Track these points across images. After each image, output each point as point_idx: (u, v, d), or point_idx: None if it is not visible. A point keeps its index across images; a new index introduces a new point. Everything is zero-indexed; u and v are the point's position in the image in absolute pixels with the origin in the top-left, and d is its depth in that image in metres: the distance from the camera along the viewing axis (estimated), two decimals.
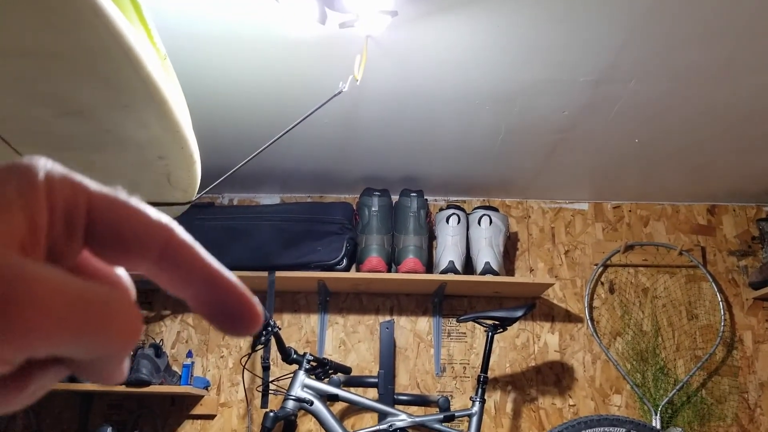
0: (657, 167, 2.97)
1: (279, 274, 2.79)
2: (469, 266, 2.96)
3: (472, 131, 2.66)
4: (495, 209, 3.03)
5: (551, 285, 2.95)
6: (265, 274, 2.79)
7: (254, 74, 2.26)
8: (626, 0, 1.83)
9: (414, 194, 2.99)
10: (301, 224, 2.89)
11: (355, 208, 3.04)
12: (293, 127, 1.99)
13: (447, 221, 2.96)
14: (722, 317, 3.06)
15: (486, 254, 2.88)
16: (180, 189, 1.81)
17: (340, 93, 2.00)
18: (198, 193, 1.94)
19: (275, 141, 2.00)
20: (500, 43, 2.06)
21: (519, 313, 2.59)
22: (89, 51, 1.16)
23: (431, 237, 3.08)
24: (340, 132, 2.70)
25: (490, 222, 2.94)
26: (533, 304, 2.68)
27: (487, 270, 2.83)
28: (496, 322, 2.62)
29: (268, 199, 3.30)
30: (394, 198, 3.05)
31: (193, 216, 2.66)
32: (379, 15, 1.82)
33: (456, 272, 2.84)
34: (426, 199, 3.03)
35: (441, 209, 3.07)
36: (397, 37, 2.05)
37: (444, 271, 2.85)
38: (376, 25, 1.90)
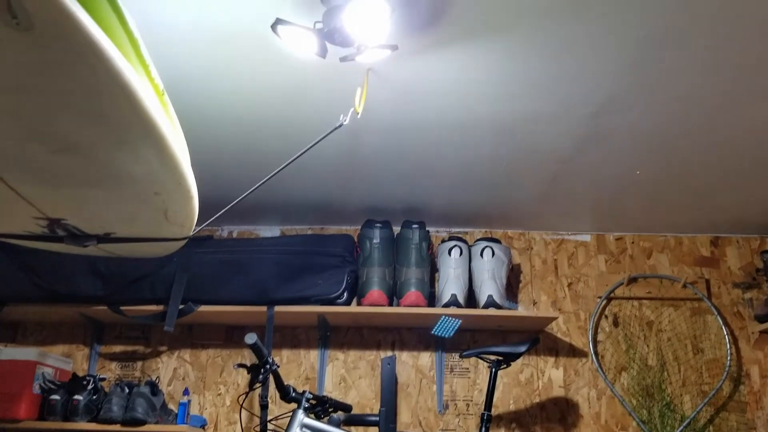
0: (659, 198, 2.94)
1: (278, 308, 2.74)
2: (471, 299, 2.92)
3: (473, 162, 2.64)
4: (497, 241, 2.99)
5: (555, 318, 2.90)
6: (264, 308, 2.74)
7: (254, 106, 2.25)
8: (624, 33, 1.82)
9: (416, 226, 2.96)
10: (301, 257, 2.85)
11: (356, 239, 3.00)
12: (293, 161, 1.96)
13: (449, 253, 2.93)
14: (728, 351, 3.00)
15: (489, 287, 2.83)
16: (177, 224, 1.78)
17: (340, 126, 1.98)
18: (196, 228, 1.91)
19: (275, 174, 1.97)
20: (499, 75, 2.05)
21: (523, 349, 2.54)
22: (87, 89, 1.13)
23: (433, 269, 3.04)
24: (341, 163, 2.68)
25: (493, 254, 2.91)
26: (537, 339, 2.63)
27: (490, 303, 2.79)
28: (500, 358, 2.57)
29: (268, 231, 3.27)
30: (396, 229, 3.02)
31: (192, 250, 2.62)
32: (379, 49, 1.80)
33: (459, 306, 2.80)
34: (428, 231, 3.00)
35: (443, 241, 3.03)
36: (398, 69, 2.03)
37: (446, 305, 2.80)
38: (376, 58, 1.88)
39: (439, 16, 1.78)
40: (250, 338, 2.16)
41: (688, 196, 2.91)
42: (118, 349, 3.03)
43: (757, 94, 2.12)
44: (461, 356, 2.66)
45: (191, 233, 1.89)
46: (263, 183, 1.96)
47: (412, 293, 2.81)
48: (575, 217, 3.15)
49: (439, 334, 2.72)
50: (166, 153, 1.36)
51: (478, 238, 3.05)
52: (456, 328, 2.69)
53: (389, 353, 2.99)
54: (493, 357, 2.57)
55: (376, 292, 2.78)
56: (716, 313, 3.08)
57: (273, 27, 1.68)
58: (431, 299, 2.96)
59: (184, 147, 1.49)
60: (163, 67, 1.94)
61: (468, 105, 2.23)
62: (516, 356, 2.56)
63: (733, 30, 1.80)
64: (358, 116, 2.02)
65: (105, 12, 1.11)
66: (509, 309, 2.89)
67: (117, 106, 1.18)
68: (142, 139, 1.30)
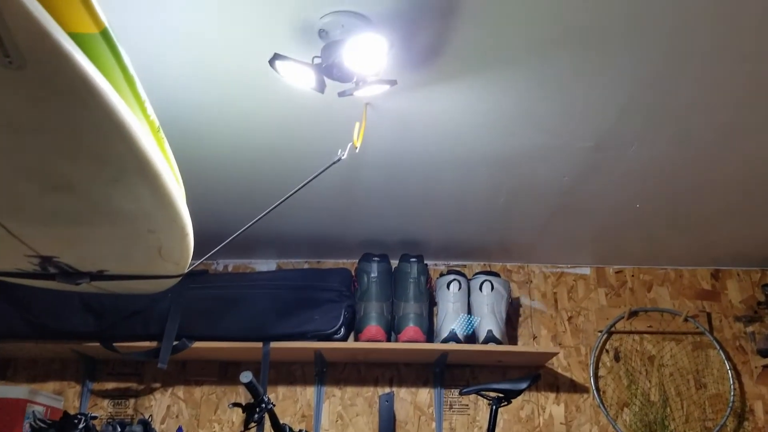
0: (659, 231, 2.92)
1: (274, 344, 2.69)
2: (471, 334, 2.87)
3: (472, 196, 2.62)
4: (496, 274, 2.95)
5: (555, 354, 2.85)
6: (259, 345, 2.69)
7: (251, 141, 2.23)
8: (624, 69, 1.82)
9: (414, 259, 2.92)
10: (298, 292, 2.81)
11: (353, 273, 2.96)
12: (291, 195, 1.93)
13: (448, 287, 2.89)
14: (731, 386, 2.95)
15: (488, 322, 2.79)
16: (171, 261, 1.75)
17: (339, 161, 1.96)
18: (190, 265, 1.88)
19: (273, 209, 1.94)
20: (499, 110, 2.04)
21: (524, 386, 2.49)
22: (81, 127, 1.11)
23: (431, 303, 3.00)
24: (338, 197, 2.65)
25: (492, 288, 2.87)
26: (538, 375, 2.58)
27: (490, 339, 2.74)
28: (500, 395, 2.51)
29: (264, 265, 3.23)
30: (393, 263, 2.98)
31: (186, 285, 2.58)
32: (378, 84, 1.78)
33: (458, 341, 2.75)
34: (426, 264, 2.96)
35: (441, 274, 3.00)
36: (396, 103, 2.02)
37: (445, 340, 2.75)
38: (375, 93, 1.86)
39: (437, 52, 1.77)
40: (246, 377, 2.11)
41: (688, 229, 2.89)
42: (110, 386, 2.97)
43: (754, 129, 2.11)
44: (461, 393, 2.60)
45: (186, 270, 1.85)
46: (261, 218, 1.93)
47: (411, 328, 2.76)
48: (575, 250, 3.13)
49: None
50: (161, 191, 1.33)
51: (477, 271, 3.02)
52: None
53: (387, 390, 2.93)
54: (493, 394, 2.52)
55: (373, 327, 2.74)
56: (718, 347, 3.03)
57: (271, 62, 1.66)
58: (430, 334, 2.91)
59: (179, 184, 1.46)
60: (160, 102, 1.93)
61: (467, 139, 2.21)
62: (517, 393, 2.50)
63: (730, 67, 1.80)
64: (357, 150, 2.00)
65: (100, 49, 1.08)
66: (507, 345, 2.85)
67: (111, 145, 1.16)
68: (137, 177, 1.27)
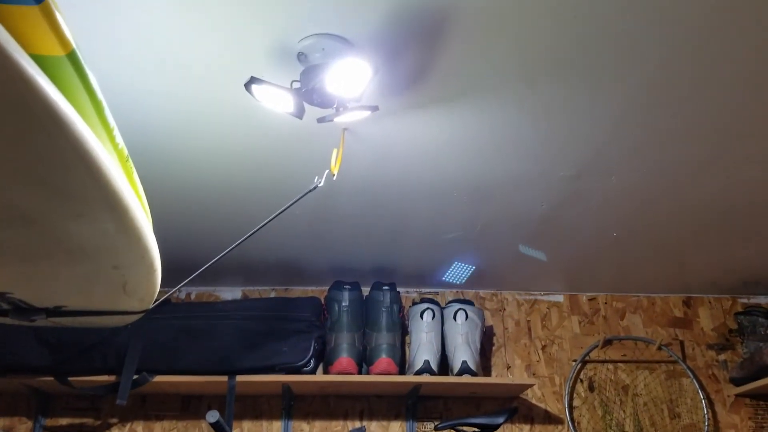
0: (633, 259, 2.89)
1: (240, 378, 2.56)
2: (444, 364, 2.79)
3: (447, 223, 2.55)
4: (470, 303, 2.88)
5: (531, 386, 2.78)
6: (225, 378, 2.55)
7: (222, 166, 2.13)
8: (607, 98, 1.78)
9: (386, 287, 2.84)
10: (265, 322, 2.69)
11: (323, 302, 2.86)
12: (266, 224, 1.83)
13: (421, 316, 2.81)
14: (705, 416, 2.93)
15: (463, 352, 2.71)
16: (136, 297, 1.63)
17: (315, 188, 1.87)
18: (156, 300, 1.76)
19: (248, 238, 1.83)
20: (479, 138, 1.98)
21: (501, 420, 2.41)
22: (42, 156, 1.00)
23: (404, 332, 2.91)
24: (308, 222, 2.55)
25: (467, 317, 2.80)
26: (515, 409, 2.51)
27: (465, 370, 2.66)
28: (477, 430, 2.43)
29: (229, 292, 3.10)
30: (365, 290, 2.89)
31: (147, 315, 2.43)
32: (359, 110, 1.70)
33: (432, 373, 2.66)
34: (398, 293, 2.88)
35: (414, 303, 2.91)
36: (375, 129, 1.95)
37: (419, 372, 2.66)
38: (355, 119, 1.78)
39: (420, 76, 1.70)
40: (212, 416, 1.99)
41: (661, 256, 2.87)
42: (64, 421, 2.79)
43: (730, 160, 2.10)
44: (436, 429, 2.50)
45: (151, 305, 1.73)
46: (235, 247, 1.82)
47: (383, 360, 2.67)
48: (548, 277, 3.08)
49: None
50: (129, 226, 1.22)
51: (451, 299, 2.95)
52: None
53: (357, 423, 2.82)
54: (469, 429, 2.43)
55: (345, 359, 2.63)
56: (692, 376, 3.01)
57: (247, 86, 1.57)
58: (402, 365, 2.82)
59: (148, 216, 1.35)
60: (129, 128, 1.82)
61: (445, 166, 2.15)
62: (494, 428, 2.43)
63: (714, 97, 1.77)
64: (334, 178, 1.91)
65: (66, 72, 0.98)
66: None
67: (76, 176, 1.05)
68: (103, 211, 1.16)
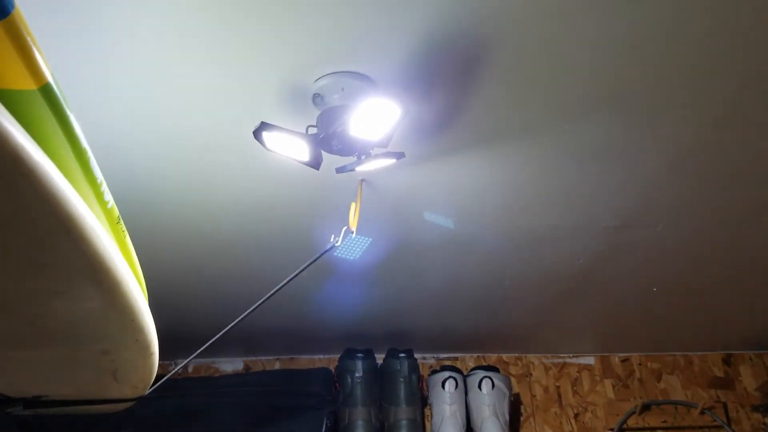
0: (670, 315, 2.66)
1: None
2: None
3: (469, 281, 2.32)
4: (496, 369, 2.63)
5: None
6: None
7: (225, 224, 1.90)
8: (664, 137, 1.57)
9: (403, 355, 2.58)
10: (271, 398, 2.42)
11: (334, 372, 2.59)
12: (277, 291, 1.60)
13: (443, 386, 2.54)
14: None
15: (492, 426, 2.44)
16: (129, 385, 1.38)
17: (332, 248, 1.64)
18: (152, 385, 1.51)
19: (258, 306, 1.60)
20: (513, 186, 1.77)
21: None
22: (8, 221, 0.77)
23: (423, 403, 2.64)
24: (315, 285, 2.32)
25: (493, 386, 2.53)
26: None
27: None
28: None
29: (230, 364, 2.83)
30: (378, 356, 2.63)
31: None
32: (384, 158, 1.49)
33: None
34: (416, 360, 2.62)
35: (434, 371, 2.65)
36: (394, 178, 1.74)
37: None
38: (378, 167, 1.57)
39: (448, 119, 1.49)
40: None
41: (699, 310, 2.64)
42: None
43: None
44: None
45: (147, 392, 1.48)
46: (246, 316, 1.59)
47: None
48: (577, 338, 2.83)
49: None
50: (119, 302, 0.98)
51: (474, 366, 2.69)
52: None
53: None
54: None
55: None
56: None
57: (256, 133, 1.35)
58: None
59: (142, 289, 1.11)
60: (121, 184, 1.60)
61: (471, 218, 1.93)
62: None
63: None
64: (353, 235, 1.69)
65: (37, 110, 0.77)
66: None
67: (53, 245, 0.82)
68: (86, 286, 0.92)
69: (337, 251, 2.11)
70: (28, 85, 0.75)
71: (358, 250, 2.12)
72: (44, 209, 0.74)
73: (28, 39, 0.71)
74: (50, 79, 0.77)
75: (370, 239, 2.12)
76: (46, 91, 0.77)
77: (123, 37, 1.20)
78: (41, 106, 0.77)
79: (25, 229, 0.78)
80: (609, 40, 1.25)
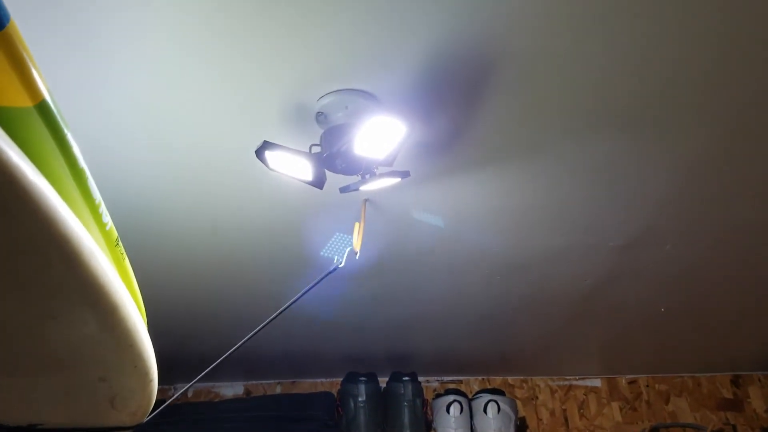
0: (677, 335, 2.61)
1: None
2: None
3: (475, 303, 2.28)
4: (501, 392, 2.58)
5: None
6: None
7: (225, 244, 1.87)
8: (675, 152, 1.53)
9: (407, 378, 2.53)
10: (273, 424, 2.36)
11: (337, 396, 2.54)
12: (280, 314, 1.56)
13: (447, 410, 2.49)
14: None
15: None
16: (127, 412, 1.33)
17: (335, 270, 1.61)
18: (150, 413, 1.46)
19: (261, 329, 1.56)
20: (519, 205, 1.74)
21: None
22: (3, 246, 0.74)
23: (428, 427, 2.58)
24: (318, 306, 2.27)
25: (499, 409, 2.48)
26: None
27: None
28: None
29: (230, 388, 2.78)
30: (381, 379, 2.58)
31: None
32: (388, 177, 1.46)
33: None
34: (420, 383, 2.57)
35: (438, 394, 2.60)
36: (398, 198, 1.71)
37: None
38: (382, 186, 1.54)
39: (455, 137, 1.47)
40: None
41: (707, 331, 2.59)
42: None
43: None
44: None
45: (145, 419, 1.43)
46: (248, 339, 1.55)
47: None
48: (583, 360, 2.79)
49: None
50: (117, 328, 0.95)
51: (479, 390, 2.64)
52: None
53: None
54: None
55: None
56: None
57: (259, 152, 1.32)
58: None
59: (141, 313, 1.07)
60: (121, 204, 1.57)
61: (478, 239, 1.90)
62: None
63: None
64: (357, 257, 1.66)
65: (32, 127, 0.74)
66: None
67: (48, 268, 0.78)
68: (82, 310, 0.89)
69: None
70: (24, 102, 0.72)
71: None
72: (39, 231, 0.71)
73: (24, 54, 0.69)
74: (47, 96, 0.74)
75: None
76: (43, 108, 0.74)
77: (123, 56, 1.18)
78: (37, 124, 0.74)
79: (18, 251, 0.75)
80: (618, 54, 1.22)
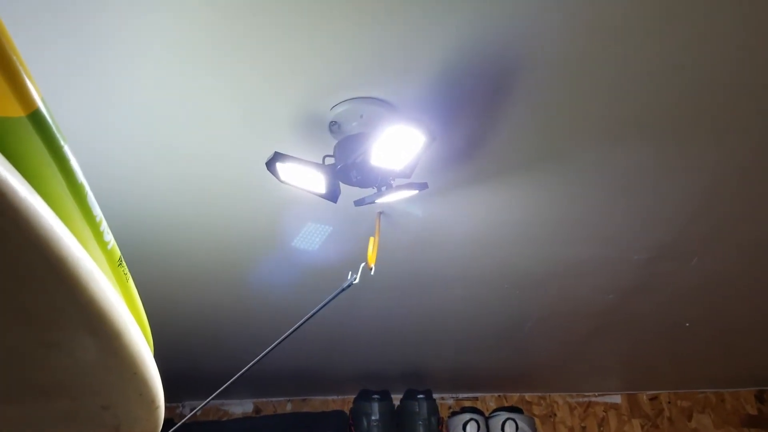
0: (700, 350, 2.53)
1: None
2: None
3: (492, 318, 2.20)
4: (519, 410, 2.49)
5: None
6: None
7: (232, 259, 1.80)
8: (702, 161, 1.46)
9: (422, 396, 2.45)
10: None
11: (349, 415, 2.47)
12: (294, 331, 1.49)
13: (464, 429, 2.41)
14: None
15: None
16: None
17: (350, 286, 1.53)
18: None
19: (274, 348, 1.49)
20: (539, 218, 1.66)
21: None
22: None
23: None
24: (329, 325, 2.20)
25: (517, 428, 2.40)
26: None
27: None
28: None
29: (239, 406, 2.70)
30: (395, 397, 2.50)
31: None
32: (405, 189, 1.39)
33: None
34: (435, 401, 2.49)
35: (454, 412, 2.52)
36: (412, 210, 1.63)
37: None
38: (399, 199, 1.47)
39: (474, 147, 1.40)
40: None
41: (733, 345, 2.51)
42: None
43: None
44: None
45: None
46: (261, 358, 1.48)
47: None
48: (603, 376, 2.70)
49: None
50: (120, 355, 0.88)
51: (496, 408, 2.56)
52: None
53: None
54: None
55: None
56: None
57: (269, 164, 1.26)
58: None
59: (147, 338, 1.00)
60: (126, 222, 1.51)
61: (495, 253, 1.82)
62: None
63: None
64: (372, 272, 1.58)
65: (25, 139, 0.67)
66: None
67: (45, 293, 0.72)
68: (83, 337, 0.82)
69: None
70: (15, 111, 0.66)
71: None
72: (32, 253, 0.64)
73: (14, 58, 0.62)
74: (40, 105, 0.68)
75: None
76: (36, 118, 0.67)
77: (130, 66, 1.12)
78: (30, 135, 0.68)
79: (9, 275, 0.68)
80: (645, 61, 1.15)
